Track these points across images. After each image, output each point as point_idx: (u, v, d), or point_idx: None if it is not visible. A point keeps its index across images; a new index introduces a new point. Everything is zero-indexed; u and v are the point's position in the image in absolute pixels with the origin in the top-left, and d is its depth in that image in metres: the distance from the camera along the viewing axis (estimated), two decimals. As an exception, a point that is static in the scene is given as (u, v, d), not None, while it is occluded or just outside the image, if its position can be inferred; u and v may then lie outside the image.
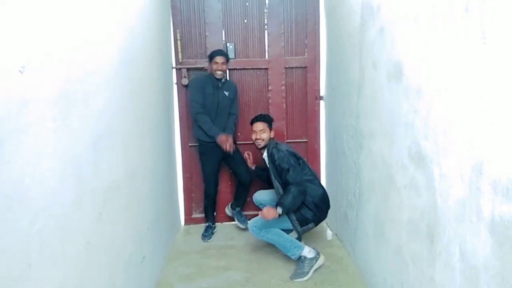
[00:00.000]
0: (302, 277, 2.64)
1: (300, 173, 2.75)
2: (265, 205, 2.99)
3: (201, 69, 3.51)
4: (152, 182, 2.51)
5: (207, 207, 3.46)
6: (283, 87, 3.64)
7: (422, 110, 1.73)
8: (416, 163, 1.80)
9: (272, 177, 2.85)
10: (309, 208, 2.77)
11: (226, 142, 3.18)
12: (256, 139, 2.96)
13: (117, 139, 1.77)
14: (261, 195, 3.23)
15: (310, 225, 2.81)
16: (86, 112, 1.42)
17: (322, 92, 3.65)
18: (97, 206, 1.52)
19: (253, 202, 3.29)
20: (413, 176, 1.84)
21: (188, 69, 3.50)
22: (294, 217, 2.75)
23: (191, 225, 3.69)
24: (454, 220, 1.49)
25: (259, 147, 2.97)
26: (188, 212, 3.73)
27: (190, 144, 3.63)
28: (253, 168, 3.34)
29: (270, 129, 3.00)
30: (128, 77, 1.98)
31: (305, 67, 3.63)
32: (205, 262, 2.94)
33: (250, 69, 3.61)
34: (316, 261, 2.72)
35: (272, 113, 3.63)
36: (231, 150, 3.21)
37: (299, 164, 2.83)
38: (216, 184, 3.45)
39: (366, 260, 2.58)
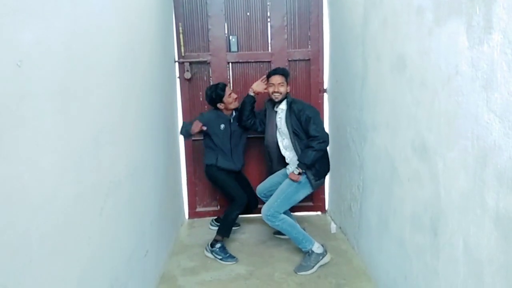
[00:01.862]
0: (306, 271, 2.64)
1: (323, 125, 2.75)
2: (269, 196, 2.95)
3: (204, 62, 3.49)
4: (155, 176, 2.51)
5: (233, 221, 3.04)
6: (286, 80, 3.61)
7: (425, 101, 1.70)
8: (419, 155, 1.78)
9: (285, 132, 2.81)
10: (323, 162, 2.81)
11: (196, 126, 2.99)
12: (273, 92, 2.84)
13: (118, 134, 1.77)
14: (263, 186, 3.12)
15: (323, 180, 2.87)
16: (86, 107, 1.42)
17: (326, 85, 3.62)
18: (99, 201, 1.52)
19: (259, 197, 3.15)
20: (416, 168, 1.82)
21: (190, 63, 3.49)
22: (310, 172, 2.75)
23: (195, 219, 3.70)
24: (458, 213, 1.47)
25: (276, 100, 2.86)
26: (192, 206, 3.74)
27: (193, 138, 3.62)
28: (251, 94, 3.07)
29: (288, 83, 2.90)
30: (129, 71, 1.97)
31: (309, 59, 3.60)
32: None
33: (253, 62, 3.59)
34: (323, 257, 2.72)
35: (275, 106, 3.62)
36: (198, 128, 2.99)
37: None
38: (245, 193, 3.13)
39: (370, 253, 2.57)
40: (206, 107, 3.59)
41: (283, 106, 2.87)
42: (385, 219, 2.27)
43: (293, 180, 2.73)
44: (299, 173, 2.70)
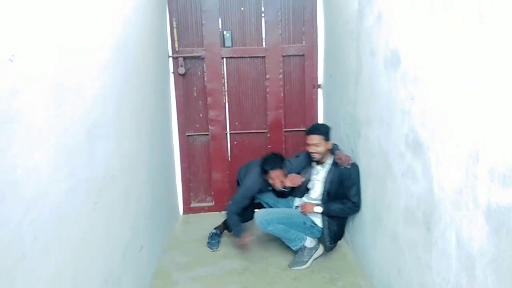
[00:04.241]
0: (300, 266, 2.66)
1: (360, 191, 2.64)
2: (271, 204, 2.96)
3: (198, 57, 3.47)
4: (149, 171, 2.50)
5: (236, 222, 2.95)
6: (281, 76, 3.61)
7: (419, 97, 1.71)
8: (413, 150, 1.79)
9: (317, 185, 2.77)
10: (342, 225, 2.79)
11: (244, 241, 2.86)
12: (311, 152, 2.73)
13: (112, 128, 1.76)
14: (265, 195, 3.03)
15: (334, 246, 2.80)
16: (79, 101, 1.41)
17: (320, 80, 3.62)
18: (92, 195, 1.51)
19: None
20: (410, 164, 1.83)
21: (184, 58, 3.47)
22: (328, 230, 2.71)
23: (190, 215, 3.70)
24: (450, 207, 1.48)
25: (314, 160, 2.76)
26: (186, 202, 3.73)
27: (187, 134, 3.62)
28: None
29: (327, 140, 2.71)
30: (122, 66, 1.95)
31: (303, 55, 3.60)
32: (203, 251, 2.95)
33: (247, 57, 3.58)
34: (316, 251, 2.74)
35: (270, 102, 3.62)
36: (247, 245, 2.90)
37: None
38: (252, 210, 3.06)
39: (364, 247, 2.59)
40: (200, 102, 3.59)
41: (329, 161, 2.75)
42: (379, 214, 2.29)
43: (303, 209, 2.70)
44: (317, 210, 2.66)
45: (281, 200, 2.97)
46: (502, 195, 1.18)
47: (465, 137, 1.36)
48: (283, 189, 2.87)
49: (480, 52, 1.26)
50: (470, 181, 1.34)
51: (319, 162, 2.79)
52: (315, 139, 2.70)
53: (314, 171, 2.85)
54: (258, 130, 3.69)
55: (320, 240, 2.79)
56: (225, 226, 3.10)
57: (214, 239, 3.03)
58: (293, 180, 2.81)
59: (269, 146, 3.65)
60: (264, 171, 2.84)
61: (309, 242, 2.73)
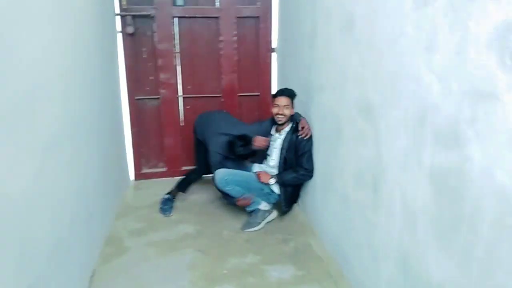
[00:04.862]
0: (253, 227, 2.71)
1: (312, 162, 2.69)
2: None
3: (147, 16, 3.29)
4: (97, 136, 2.39)
5: (190, 180, 3.15)
6: (235, 38, 3.52)
7: (371, 62, 1.74)
8: (364, 115, 1.84)
9: (274, 153, 2.80)
10: (296, 190, 2.86)
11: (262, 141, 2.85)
12: (277, 114, 2.71)
13: (55, 91, 1.64)
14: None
15: (289, 209, 2.88)
16: (16, 61, 1.28)
17: (275, 44, 3.58)
18: (35, 162, 1.41)
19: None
20: (361, 128, 1.88)
21: (133, 16, 3.26)
22: (284, 196, 2.78)
23: (141, 181, 3.62)
24: (397, 170, 1.56)
25: (279, 122, 2.75)
26: (137, 168, 3.64)
27: (136, 97, 3.47)
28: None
29: (293, 105, 2.76)
30: (65, 22, 1.80)
31: (258, 17, 3.52)
32: (156, 216, 2.92)
33: (200, 17, 3.44)
34: (269, 214, 2.80)
35: (224, 65, 3.54)
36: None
37: None
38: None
39: (315, 209, 2.69)
40: (150, 64, 3.44)
41: (286, 129, 2.78)
42: (330, 177, 2.36)
43: (259, 179, 2.74)
44: (271, 182, 2.73)
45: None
46: (444, 157, 1.25)
47: (413, 101, 1.41)
48: (247, 153, 2.87)
49: (430, 17, 1.28)
50: (416, 144, 1.41)
51: (277, 130, 2.82)
52: (285, 101, 2.70)
53: (272, 138, 2.88)
54: (211, 94, 3.62)
55: (275, 205, 2.86)
56: (178, 188, 3.10)
57: (166, 204, 3.01)
58: (258, 142, 2.83)
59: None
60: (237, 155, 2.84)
61: (264, 205, 2.79)
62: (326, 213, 2.47)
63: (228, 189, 2.68)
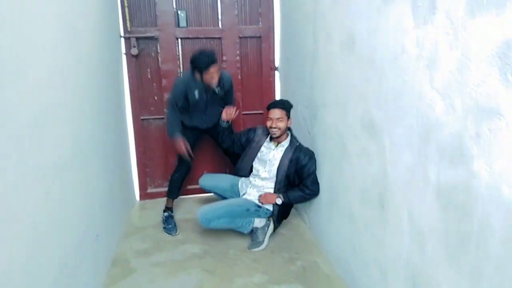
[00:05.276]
0: (258, 246, 2.69)
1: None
2: (215, 193, 3.02)
3: (151, 38, 3.35)
4: (103, 157, 2.41)
5: (176, 182, 3.15)
6: (238, 57, 3.57)
7: (373, 79, 1.76)
8: (368, 132, 1.85)
9: (268, 165, 2.77)
10: (288, 209, 2.88)
11: (180, 147, 2.92)
12: (271, 127, 2.65)
13: (61, 113, 1.66)
14: (210, 182, 3.07)
15: (279, 224, 2.87)
16: (24, 85, 1.31)
17: (277, 63, 3.63)
18: (43, 185, 1.43)
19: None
20: (365, 145, 1.89)
21: (137, 38, 3.33)
22: (277, 212, 2.77)
23: (147, 200, 3.62)
24: (403, 187, 1.55)
25: (274, 136, 2.69)
26: (143, 187, 3.64)
27: (142, 117, 3.50)
28: (224, 123, 2.86)
29: (288, 117, 2.70)
30: (70, 46, 1.84)
31: (260, 36, 3.57)
32: (161, 236, 2.91)
33: (203, 38, 3.49)
34: (268, 227, 2.77)
35: (227, 84, 3.57)
36: (186, 154, 2.97)
37: None
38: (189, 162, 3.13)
39: (321, 227, 2.67)
40: (154, 84, 3.48)
41: (285, 144, 2.74)
42: (336, 194, 2.36)
43: (261, 201, 2.72)
44: (276, 202, 2.71)
45: (227, 189, 2.95)
46: (450, 174, 1.25)
47: (417, 118, 1.42)
48: (218, 93, 2.84)
49: (431, 35, 1.30)
50: (421, 161, 1.41)
51: (271, 139, 2.79)
52: (278, 113, 2.64)
53: (265, 150, 2.82)
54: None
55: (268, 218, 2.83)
56: (169, 198, 3.14)
57: (169, 223, 3.00)
58: (228, 112, 2.81)
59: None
60: (200, 71, 2.70)
61: (259, 222, 2.76)
62: (332, 231, 2.45)
63: (213, 226, 2.63)
